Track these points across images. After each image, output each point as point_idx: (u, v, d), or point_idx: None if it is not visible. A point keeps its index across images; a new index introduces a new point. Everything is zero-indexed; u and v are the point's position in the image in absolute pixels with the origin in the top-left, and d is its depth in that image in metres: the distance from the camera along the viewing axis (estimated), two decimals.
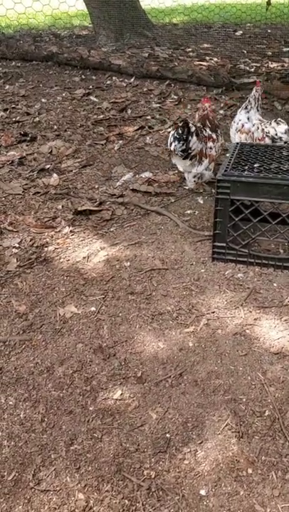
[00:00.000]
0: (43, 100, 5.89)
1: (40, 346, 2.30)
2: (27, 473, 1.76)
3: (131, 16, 8.46)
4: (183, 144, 3.27)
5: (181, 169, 3.62)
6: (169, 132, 3.76)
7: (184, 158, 3.36)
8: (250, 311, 2.42)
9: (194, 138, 3.30)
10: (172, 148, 3.32)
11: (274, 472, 1.72)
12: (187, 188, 3.68)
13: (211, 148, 3.48)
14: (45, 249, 3.02)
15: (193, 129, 3.29)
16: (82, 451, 1.82)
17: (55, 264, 2.88)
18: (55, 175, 3.94)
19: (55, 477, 1.75)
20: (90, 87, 6.31)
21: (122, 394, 2.03)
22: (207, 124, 3.58)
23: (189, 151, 3.32)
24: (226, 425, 1.88)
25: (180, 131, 3.25)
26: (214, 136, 3.53)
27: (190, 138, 3.27)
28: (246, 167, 2.71)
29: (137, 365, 2.16)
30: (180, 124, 3.30)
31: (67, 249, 3.02)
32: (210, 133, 3.53)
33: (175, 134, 3.27)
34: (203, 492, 1.67)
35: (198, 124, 3.54)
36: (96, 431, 1.89)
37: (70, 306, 2.53)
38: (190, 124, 3.27)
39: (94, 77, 6.81)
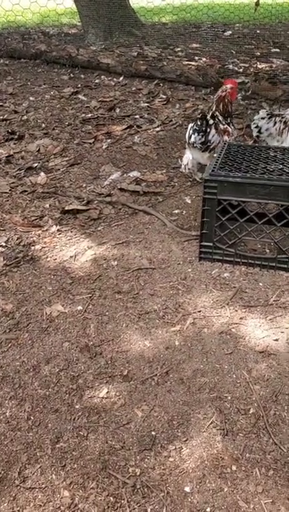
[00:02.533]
0: (31, 98, 5.87)
1: (26, 345, 2.30)
2: (12, 471, 1.76)
3: (120, 15, 8.47)
4: (202, 136, 3.34)
5: (190, 166, 3.61)
6: (186, 127, 3.70)
7: (203, 151, 3.42)
8: (236, 310, 2.44)
9: (213, 130, 3.38)
10: (192, 140, 3.38)
11: (258, 469, 1.74)
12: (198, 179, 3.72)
13: (225, 141, 3.46)
14: (32, 248, 3.02)
15: (211, 121, 3.38)
16: (67, 449, 1.83)
17: (42, 263, 2.88)
18: (42, 173, 3.94)
19: (41, 475, 1.75)
20: (79, 85, 6.31)
21: (108, 392, 2.04)
22: (221, 108, 3.56)
23: (208, 144, 3.38)
24: (211, 423, 1.90)
25: (199, 123, 3.32)
26: (229, 129, 3.55)
27: (209, 130, 3.35)
28: (233, 167, 2.74)
29: (123, 364, 2.18)
30: (198, 117, 3.37)
31: (54, 248, 3.02)
32: (226, 126, 3.53)
33: (194, 127, 3.34)
34: (187, 489, 1.69)
35: (214, 108, 3.56)
36: (82, 429, 1.90)
37: (57, 305, 2.54)
38: (208, 117, 3.36)
39: (82, 76, 6.81)
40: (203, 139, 3.36)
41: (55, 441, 1.86)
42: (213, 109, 3.58)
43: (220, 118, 3.55)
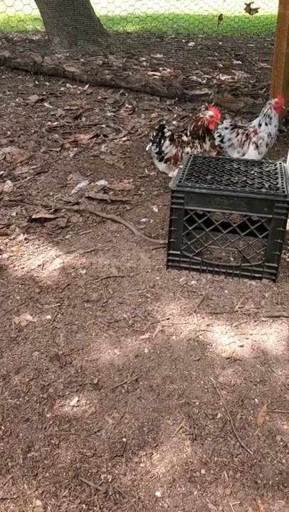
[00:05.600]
0: None
1: None
2: None
3: (84, 24, 8.51)
4: (156, 147, 3.49)
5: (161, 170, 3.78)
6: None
7: (159, 161, 3.59)
8: (203, 317, 2.51)
9: (167, 142, 3.51)
10: (147, 150, 3.59)
11: (226, 472, 1.80)
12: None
13: (188, 153, 3.53)
14: None
15: (168, 133, 3.50)
16: (39, 458, 1.84)
17: (9, 272, 2.87)
18: (9, 181, 3.92)
19: (12, 485, 1.75)
20: (44, 93, 6.30)
21: (78, 401, 2.06)
22: (191, 128, 3.63)
23: (162, 154, 3.53)
24: (180, 428, 1.95)
25: (154, 134, 3.49)
26: (195, 143, 3.60)
27: (162, 142, 3.48)
28: (199, 178, 2.81)
29: (93, 372, 2.20)
30: (156, 128, 3.52)
31: (21, 256, 3.02)
32: (190, 139, 3.60)
33: (150, 137, 3.53)
34: (158, 493, 1.73)
35: (188, 127, 3.64)
36: (53, 437, 1.91)
37: (26, 315, 2.54)
38: (165, 129, 3.49)
39: (48, 83, 6.80)
40: (157, 149, 3.51)
41: (27, 450, 1.86)
42: (188, 127, 3.68)
43: (187, 133, 3.63)
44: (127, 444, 1.89)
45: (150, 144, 3.51)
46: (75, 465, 1.81)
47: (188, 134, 3.62)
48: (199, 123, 3.59)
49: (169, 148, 3.53)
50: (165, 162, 3.59)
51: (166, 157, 3.56)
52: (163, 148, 3.50)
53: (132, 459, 1.84)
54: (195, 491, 1.74)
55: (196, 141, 3.60)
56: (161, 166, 3.66)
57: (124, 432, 1.93)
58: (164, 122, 4.28)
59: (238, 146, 3.81)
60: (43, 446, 1.88)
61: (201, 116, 3.61)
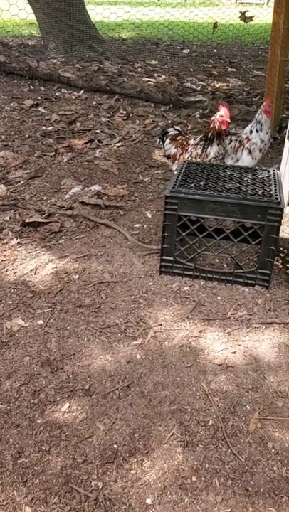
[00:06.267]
0: None
1: None
2: None
3: (80, 29, 8.54)
4: (160, 143, 3.84)
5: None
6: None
7: (164, 155, 3.94)
8: (196, 324, 2.50)
9: (167, 141, 3.81)
10: (156, 143, 4.11)
11: (217, 479, 1.79)
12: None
13: (188, 152, 3.67)
14: None
15: (171, 132, 3.79)
16: (29, 464, 1.82)
17: (1, 276, 2.86)
18: (2, 185, 3.91)
19: (2, 492, 1.73)
20: (39, 98, 6.31)
21: (69, 406, 2.05)
22: (205, 131, 3.54)
23: (164, 150, 3.84)
24: (172, 435, 1.94)
25: (161, 130, 3.91)
26: (198, 144, 3.55)
27: (165, 139, 3.81)
28: (192, 184, 2.82)
29: (84, 378, 2.19)
30: (164, 126, 3.99)
31: (14, 261, 3.00)
32: (197, 142, 3.56)
33: (158, 133, 4.02)
34: (149, 501, 1.71)
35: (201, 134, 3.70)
36: (44, 443, 1.90)
37: (17, 319, 2.52)
38: (169, 129, 3.83)
39: (43, 88, 6.81)
40: (162, 145, 3.83)
41: (17, 456, 1.85)
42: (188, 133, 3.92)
43: (199, 136, 3.60)
44: (118, 450, 1.88)
45: (158, 138, 3.97)
46: (66, 471, 1.80)
47: (204, 137, 3.54)
48: (211, 125, 3.43)
49: (168, 146, 3.78)
50: (167, 158, 3.86)
51: (166, 153, 3.84)
52: (164, 144, 3.81)
53: (123, 466, 1.82)
54: (186, 499, 1.73)
55: (200, 143, 3.53)
56: (168, 160, 3.93)
57: (116, 439, 1.92)
58: (174, 122, 4.41)
59: (232, 153, 3.83)
60: (33, 452, 1.86)
61: (213, 118, 3.44)
